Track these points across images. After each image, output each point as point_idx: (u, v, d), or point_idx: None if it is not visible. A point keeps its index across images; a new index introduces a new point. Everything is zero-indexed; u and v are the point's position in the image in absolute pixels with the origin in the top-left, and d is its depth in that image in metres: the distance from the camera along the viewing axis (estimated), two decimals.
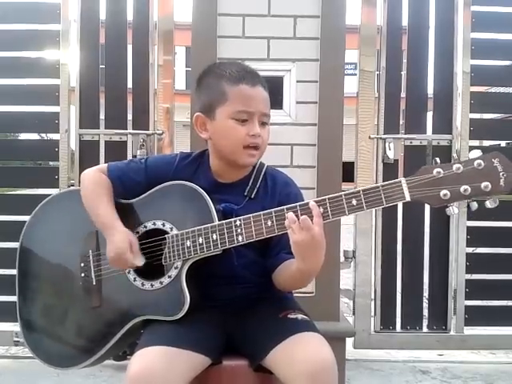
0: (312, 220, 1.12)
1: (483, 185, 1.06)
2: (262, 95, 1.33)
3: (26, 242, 1.49)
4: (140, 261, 1.30)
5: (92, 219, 1.36)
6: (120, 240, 1.29)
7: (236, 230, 1.22)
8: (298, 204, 1.16)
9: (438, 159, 1.11)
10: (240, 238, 1.22)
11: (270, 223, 1.19)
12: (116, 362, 2.29)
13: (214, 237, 1.24)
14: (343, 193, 1.14)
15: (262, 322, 1.31)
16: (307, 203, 1.15)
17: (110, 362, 2.31)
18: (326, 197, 1.15)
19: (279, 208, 1.20)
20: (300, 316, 1.31)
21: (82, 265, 1.39)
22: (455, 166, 1.07)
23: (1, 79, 2.54)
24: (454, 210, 1.10)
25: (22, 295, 1.47)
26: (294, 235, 1.13)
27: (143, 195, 1.37)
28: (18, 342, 2.45)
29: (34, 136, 3.20)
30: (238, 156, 1.32)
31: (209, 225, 1.25)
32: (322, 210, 1.14)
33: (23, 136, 3.48)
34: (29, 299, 1.47)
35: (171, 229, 1.31)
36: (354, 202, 1.13)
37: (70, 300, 1.42)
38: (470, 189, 1.06)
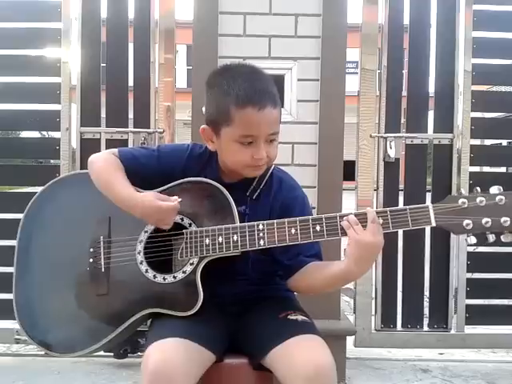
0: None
1: (503, 219, 1.12)
2: (269, 117, 1.25)
3: (30, 222, 1.46)
4: (176, 199, 1.26)
5: (109, 197, 1.32)
6: (148, 201, 1.25)
7: (258, 234, 1.22)
8: (353, 213, 1.19)
9: (463, 190, 1.18)
10: (262, 242, 1.22)
11: (293, 231, 1.21)
12: (117, 359, 2.30)
13: (235, 238, 1.24)
14: (371, 210, 1.18)
15: (263, 321, 1.30)
16: (365, 213, 1.18)
17: (112, 360, 2.32)
18: (353, 212, 1.19)
19: (304, 218, 1.21)
20: (300, 317, 1.30)
21: (91, 250, 1.37)
22: (479, 199, 1.13)
23: (2, 77, 2.55)
24: (471, 239, 1.16)
25: (22, 275, 1.43)
26: (357, 236, 1.16)
27: (163, 187, 1.34)
28: (19, 339, 2.46)
29: (35, 134, 3.20)
30: (243, 171, 1.31)
31: (230, 225, 1.24)
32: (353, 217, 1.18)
33: (24, 134, 3.48)
34: (28, 279, 1.43)
35: (190, 224, 1.30)
36: (381, 220, 1.17)
37: (73, 285, 1.39)
38: (490, 222, 1.12)
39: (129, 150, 1.41)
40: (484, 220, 1.13)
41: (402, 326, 2.57)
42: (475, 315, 2.55)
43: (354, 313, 2.56)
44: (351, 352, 2.52)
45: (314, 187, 2.28)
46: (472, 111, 2.53)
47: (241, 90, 1.23)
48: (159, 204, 1.24)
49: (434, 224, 1.15)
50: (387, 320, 2.56)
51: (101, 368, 2.35)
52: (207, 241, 1.26)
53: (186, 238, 1.28)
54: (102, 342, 1.33)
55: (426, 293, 2.59)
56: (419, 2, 2.52)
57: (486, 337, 2.58)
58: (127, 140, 2.47)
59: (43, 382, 2.24)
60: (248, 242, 1.23)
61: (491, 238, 1.15)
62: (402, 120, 2.58)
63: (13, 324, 2.44)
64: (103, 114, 2.49)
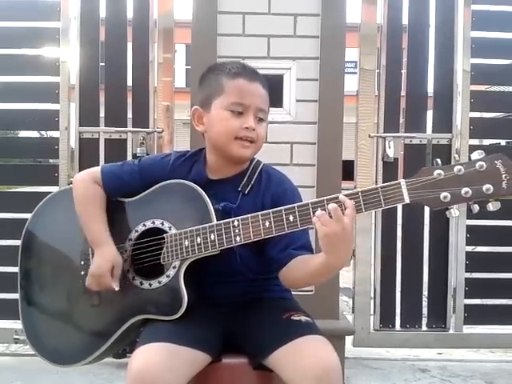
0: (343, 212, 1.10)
1: (485, 187, 1.03)
2: (259, 91, 1.33)
3: (29, 239, 1.49)
4: (115, 286, 1.31)
5: (85, 233, 1.38)
6: (106, 259, 1.31)
7: (234, 231, 1.21)
8: (325, 198, 1.13)
9: (439, 160, 1.08)
10: (238, 238, 1.21)
11: (267, 224, 1.18)
12: (115, 359, 2.30)
13: (212, 237, 1.23)
14: (341, 194, 1.13)
15: (265, 321, 1.30)
16: (337, 197, 1.12)
17: (110, 359, 2.31)
18: (325, 198, 1.14)
19: (277, 209, 1.18)
20: (303, 318, 1.30)
21: (82, 263, 1.39)
22: (456, 168, 1.05)
23: (1, 77, 2.54)
24: (454, 212, 1.08)
25: (24, 292, 1.47)
26: (325, 228, 1.10)
27: (142, 194, 1.37)
28: (17, 339, 2.46)
29: (33, 134, 3.20)
30: (231, 147, 1.31)
31: (207, 224, 1.24)
32: (319, 210, 1.12)
33: (23, 134, 3.47)
34: (30, 297, 1.47)
35: (170, 228, 1.31)
36: (353, 202, 1.11)
37: (70, 298, 1.42)
38: (471, 191, 1.04)
39: (111, 168, 1.43)
40: (463, 190, 1.04)
41: (401, 326, 2.57)
42: (474, 315, 2.56)
43: (353, 312, 2.56)
44: (350, 352, 2.52)
45: (313, 187, 2.28)
46: (471, 111, 2.53)
47: (233, 67, 1.35)
48: (105, 280, 1.31)
49: (407, 201, 1.07)
50: (386, 320, 2.56)
51: (99, 368, 2.34)
52: (186, 243, 1.26)
53: (167, 242, 1.29)
54: (98, 353, 1.35)
55: (425, 292, 2.59)
56: (418, 2, 2.52)
57: (485, 336, 2.59)
58: (126, 140, 2.47)
59: (42, 382, 2.24)
60: (225, 239, 1.22)
61: (475, 208, 1.06)
62: (401, 120, 2.58)
63: (12, 324, 2.44)
64: (102, 114, 2.49)
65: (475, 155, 1.06)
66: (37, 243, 1.49)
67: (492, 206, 1.05)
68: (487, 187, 1.03)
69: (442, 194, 1.06)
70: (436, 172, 1.06)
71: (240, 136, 1.30)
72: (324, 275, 1.21)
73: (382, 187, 1.10)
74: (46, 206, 1.50)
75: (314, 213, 1.13)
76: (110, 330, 1.34)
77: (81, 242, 1.41)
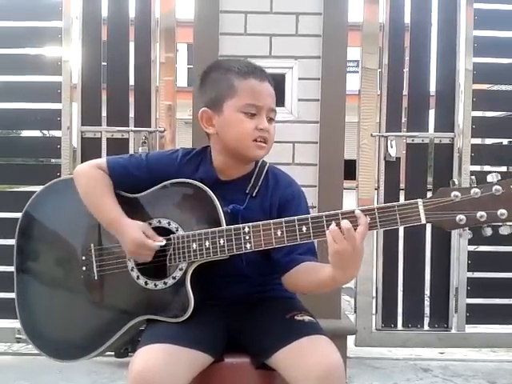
0: (355, 228, 1.10)
1: (499, 212, 1.04)
2: (269, 90, 1.33)
3: (23, 233, 1.46)
4: (160, 241, 1.27)
5: (96, 217, 1.34)
6: (133, 231, 1.27)
7: (244, 238, 1.20)
8: (340, 211, 1.13)
9: (456, 181, 1.09)
10: (248, 245, 1.20)
11: (279, 233, 1.18)
12: (118, 359, 2.30)
13: (222, 242, 1.22)
14: (357, 208, 1.12)
15: (269, 321, 1.30)
16: (352, 211, 1.12)
17: (112, 359, 2.32)
18: (339, 211, 1.13)
19: (289, 218, 1.18)
20: (307, 318, 1.30)
21: (84, 258, 1.37)
22: (473, 191, 1.06)
23: (3, 76, 2.55)
24: (467, 234, 1.09)
25: (22, 288, 1.45)
26: (336, 245, 1.10)
27: (149, 190, 1.34)
28: (20, 338, 2.46)
29: (36, 133, 3.20)
30: (247, 149, 1.30)
31: (216, 229, 1.23)
32: (334, 225, 1.11)
33: (25, 133, 3.47)
34: (29, 293, 1.45)
35: (177, 229, 1.29)
36: (368, 219, 1.10)
37: (71, 294, 1.40)
38: (486, 215, 1.05)
39: (117, 159, 1.40)
40: (479, 214, 1.05)
41: (403, 326, 2.57)
42: (476, 314, 2.55)
43: (355, 312, 2.56)
44: (352, 351, 2.52)
45: (315, 186, 2.28)
46: (473, 110, 2.53)
47: (242, 66, 1.33)
48: (143, 241, 1.25)
49: (424, 221, 1.08)
50: (388, 319, 2.56)
51: (101, 367, 2.35)
52: (194, 246, 1.24)
53: (174, 244, 1.27)
54: (100, 350, 1.35)
55: (427, 292, 2.59)
56: (420, 1, 2.52)
57: (487, 336, 2.58)
58: (128, 139, 2.47)
59: (44, 381, 2.24)
60: (234, 245, 1.21)
61: (488, 231, 1.07)
62: (403, 119, 2.57)
63: (14, 323, 2.45)
64: (104, 113, 2.49)
65: (491, 178, 1.06)
66: (33, 238, 1.45)
67: (504, 230, 1.06)
68: (502, 212, 1.04)
69: (458, 217, 1.06)
70: (453, 194, 1.07)
71: (255, 137, 1.29)
72: (329, 287, 1.22)
73: (398, 205, 1.10)
74: (39, 199, 1.47)
75: (327, 226, 1.13)
76: (111, 328, 1.33)
77: (82, 237, 1.39)
